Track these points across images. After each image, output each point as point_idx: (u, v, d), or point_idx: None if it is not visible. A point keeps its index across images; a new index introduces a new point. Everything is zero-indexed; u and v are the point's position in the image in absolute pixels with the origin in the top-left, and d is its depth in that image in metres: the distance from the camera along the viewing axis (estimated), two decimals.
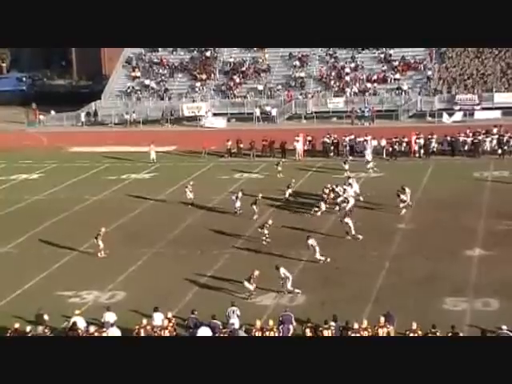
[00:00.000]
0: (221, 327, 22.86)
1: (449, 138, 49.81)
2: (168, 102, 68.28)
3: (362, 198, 37.80)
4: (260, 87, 68.47)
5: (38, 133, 64.24)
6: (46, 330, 23.45)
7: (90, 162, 51.54)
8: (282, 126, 61.76)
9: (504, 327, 21.53)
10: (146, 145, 51.66)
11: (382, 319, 22.14)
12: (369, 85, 66.87)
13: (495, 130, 50.02)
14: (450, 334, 21.03)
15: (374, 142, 49.42)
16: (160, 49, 74.28)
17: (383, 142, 49.46)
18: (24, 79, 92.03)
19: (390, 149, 49.05)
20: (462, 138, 49.54)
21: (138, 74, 72.49)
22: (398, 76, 67.44)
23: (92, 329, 22.75)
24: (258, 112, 64.90)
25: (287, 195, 38.98)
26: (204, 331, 22.19)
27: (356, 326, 21.86)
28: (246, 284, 26.66)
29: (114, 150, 54.82)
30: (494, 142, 49.21)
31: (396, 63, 68.62)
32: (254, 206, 35.75)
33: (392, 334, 21.84)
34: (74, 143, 58.41)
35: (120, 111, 67.48)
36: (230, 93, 68.54)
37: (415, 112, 63.78)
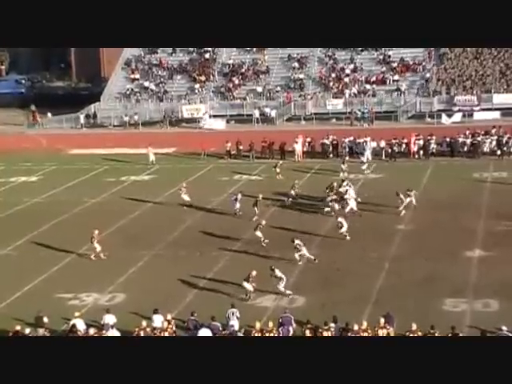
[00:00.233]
0: (220, 329, 22.86)
1: (448, 139, 49.82)
2: (167, 104, 68.24)
3: (359, 199, 37.77)
4: (259, 89, 68.46)
5: (38, 135, 64.23)
6: (46, 333, 23.44)
7: (89, 164, 51.53)
8: (281, 128, 61.76)
9: (504, 328, 21.55)
10: (144, 147, 51.67)
11: (382, 320, 22.14)
12: (368, 86, 66.87)
13: (494, 131, 50.06)
14: (450, 335, 21.03)
15: (374, 144, 49.44)
16: (159, 50, 74.33)
17: (382, 143, 49.46)
18: (23, 81, 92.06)
19: (389, 150, 49.05)
20: (461, 139, 49.56)
21: (137, 75, 72.46)
22: (396, 77, 67.44)
23: (92, 331, 22.74)
24: (257, 113, 64.91)
25: (292, 195, 39.01)
26: (204, 333, 22.19)
27: (356, 327, 21.86)
28: (245, 284, 26.69)
29: (113, 152, 54.82)
30: (494, 142, 49.21)
31: (395, 64, 68.62)
32: (256, 208, 35.79)
33: (392, 336, 21.83)
34: (74, 145, 58.41)
35: (119, 113, 67.47)
36: (229, 94, 68.54)
37: (414, 113, 63.77)
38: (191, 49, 73.50)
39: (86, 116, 68.03)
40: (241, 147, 51.59)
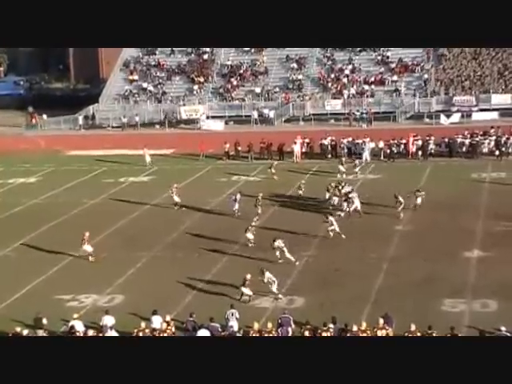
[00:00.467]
0: (220, 330, 22.85)
1: (446, 140, 49.87)
2: (166, 105, 68.24)
3: (361, 200, 37.78)
4: (258, 90, 68.47)
5: (36, 136, 64.21)
6: (45, 334, 23.42)
7: (87, 165, 51.52)
8: (279, 129, 61.77)
9: (503, 328, 21.55)
10: (140, 148, 51.63)
11: (381, 321, 22.14)
12: (366, 87, 66.89)
13: (493, 132, 50.08)
14: (448, 336, 21.03)
15: (372, 144, 49.47)
16: (157, 52, 74.34)
17: (381, 144, 49.49)
18: (21, 83, 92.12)
19: (388, 150, 49.07)
20: (459, 140, 49.62)
21: (136, 77, 72.45)
22: (395, 78, 67.46)
23: (90, 332, 22.73)
24: (255, 114, 64.93)
25: (299, 195, 38.93)
26: (203, 334, 22.17)
27: (355, 328, 21.85)
28: (244, 290, 26.59)
29: (111, 154, 54.81)
30: (492, 143, 49.26)
31: (393, 65, 68.64)
32: (258, 207, 35.83)
33: (391, 336, 21.82)
34: (72, 147, 58.39)
35: (118, 114, 67.46)
36: (228, 95, 68.55)
37: (413, 114, 63.79)
38: (189, 50, 73.53)
39: (85, 117, 68.05)
40: (239, 148, 51.60)
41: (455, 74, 66.39)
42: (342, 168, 44.33)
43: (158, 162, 51.01)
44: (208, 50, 72.65)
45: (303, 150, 50.85)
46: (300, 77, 69.46)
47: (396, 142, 49.38)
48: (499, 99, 62.61)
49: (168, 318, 23.48)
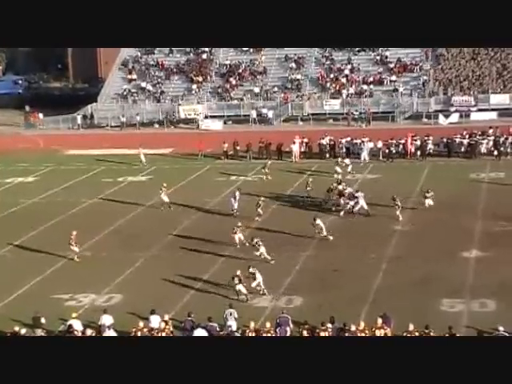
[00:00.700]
0: (218, 329, 22.84)
1: (445, 140, 49.88)
2: (165, 104, 68.24)
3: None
4: (256, 89, 68.47)
5: (34, 135, 64.16)
6: (43, 334, 23.41)
7: (86, 164, 51.48)
8: (278, 128, 61.79)
9: (501, 328, 21.54)
10: (135, 148, 51.59)
11: (380, 321, 22.14)
12: (365, 86, 66.91)
13: (491, 132, 50.09)
14: (447, 335, 21.04)
15: (371, 144, 49.46)
16: (156, 51, 74.31)
17: (379, 144, 49.48)
18: (20, 82, 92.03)
19: (387, 150, 49.07)
20: (458, 140, 49.62)
21: (134, 76, 72.44)
22: (394, 78, 67.49)
23: (89, 332, 22.72)
24: (254, 114, 64.94)
25: (306, 194, 39.01)
26: (199, 333, 22.15)
27: (353, 327, 21.86)
28: (240, 288, 26.58)
29: (110, 153, 54.78)
30: (491, 143, 49.26)
31: (392, 65, 68.67)
32: (259, 209, 35.86)
33: (389, 336, 21.82)
34: (71, 146, 58.36)
35: (116, 114, 67.44)
36: (227, 95, 68.54)
37: (411, 114, 63.83)
38: (188, 49, 73.53)
39: (83, 117, 68.01)
40: (238, 148, 51.60)
41: (454, 74, 66.42)
42: (338, 169, 44.32)
43: (156, 161, 50.96)
44: (207, 49, 72.64)
45: (302, 149, 50.85)
46: (299, 76, 69.46)
47: (395, 141, 49.38)
48: (498, 99, 62.67)
49: (166, 318, 23.47)
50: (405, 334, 21.32)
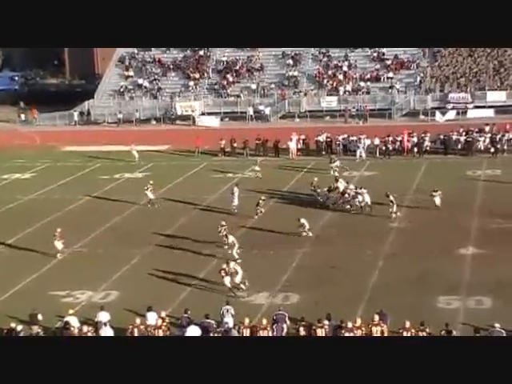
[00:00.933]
0: (214, 326, 22.86)
1: (442, 137, 49.90)
2: (162, 101, 68.17)
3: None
4: (253, 86, 68.43)
5: (31, 132, 64.07)
6: (40, 330, 23.41)
7: (82, 161, 51.45)
8: (275, 125, 61.76)
9: (497, 325, 21.59)
10: (127, 144, 51.52)
11: (376, 317, 22.17)
12: (362, 83, 66.92)
13: (488, 129, 50.13)
14: (443, 332, 21.10)
15: (368, 141, 49.47)
16: (153, 48, 74.15)
17: (376, 141, 49.50)
18: (16, 78, 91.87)
19: (384, 147, 49.11)
20: (454, 137, 49.64)
21: (131, 73, 72.34)
22: (391, 75, 67.50)
23: (85, 328, 22.72)
24: (251, 111, 64.89)
25: (317, 192, 38.89)
26: (193, 330, 22.16)
27: (350, 324, 21.88)
28: (225, 280, 26.76)
29: (107, 150, 54.72)
30: (487, 140, 49.28)
31: (389, 62, 68.68)
32: (259, 207, 35.86)
33: (386, 333, 21.88)
34: (67, 142, 58.27)
35: (113, 110, 67.35)
36: (224, 92, 68.51)
37: (408, 111, 63.85)
38: None
39: (80, 113, 67.93)
40: (235, 144, 51.59)
41: (451, 71, 66.44)
42: (334, 166, 44.25)
43: (153, 158, 50.92)
44: None
45: (299, 146, 50.86)
46: (296, 73, 69.43)
47: (391, 138, 49.39)
48: (494, 96, 62.69)
49: (163, 315, 23.50)
50: (401, 331, 21.36)
